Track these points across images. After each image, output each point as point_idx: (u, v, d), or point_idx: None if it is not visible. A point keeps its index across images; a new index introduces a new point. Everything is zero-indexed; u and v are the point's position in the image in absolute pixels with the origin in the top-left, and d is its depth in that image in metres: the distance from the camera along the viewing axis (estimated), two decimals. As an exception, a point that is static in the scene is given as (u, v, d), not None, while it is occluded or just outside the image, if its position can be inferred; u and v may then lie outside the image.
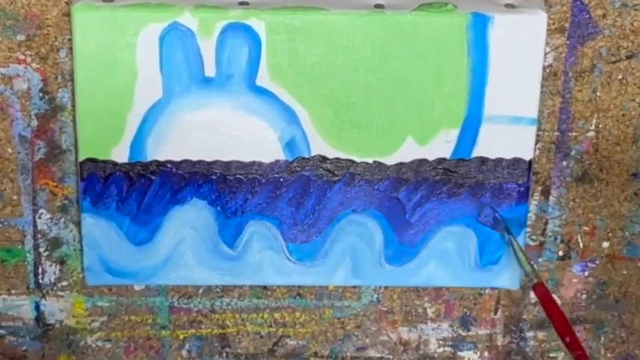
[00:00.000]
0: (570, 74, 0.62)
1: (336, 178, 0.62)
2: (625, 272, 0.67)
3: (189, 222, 0.62)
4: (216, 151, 0.61)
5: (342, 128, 0.61)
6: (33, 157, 0.62)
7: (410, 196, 0.63)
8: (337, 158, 0.61)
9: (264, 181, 0.62)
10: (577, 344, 0.53)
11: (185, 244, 0.63)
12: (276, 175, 0.62)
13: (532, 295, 0.67)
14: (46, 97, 0.61)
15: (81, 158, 0.61)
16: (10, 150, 0.62)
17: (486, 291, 0.67)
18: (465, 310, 0.68)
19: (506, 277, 0.65)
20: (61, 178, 0.63)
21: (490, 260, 0.64)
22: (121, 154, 0.61)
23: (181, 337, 0.67)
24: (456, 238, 0.64)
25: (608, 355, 0.69)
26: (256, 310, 0.67)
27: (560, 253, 0.66)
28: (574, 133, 0.64)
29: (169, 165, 0.61)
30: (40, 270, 0.65)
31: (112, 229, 0.62)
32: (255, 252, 0.63)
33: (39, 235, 0.64)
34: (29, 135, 0.62)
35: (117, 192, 0.61)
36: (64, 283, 0.65)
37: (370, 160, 0.62)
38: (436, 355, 0.69)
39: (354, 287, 0.66)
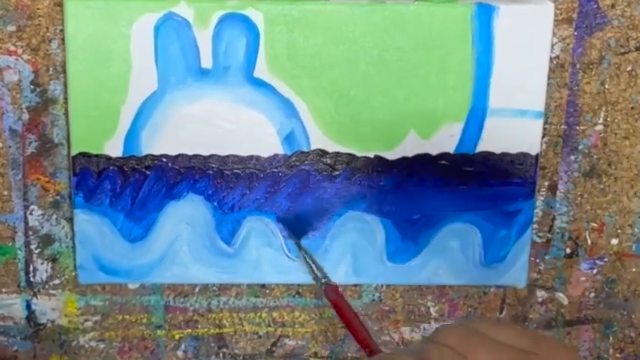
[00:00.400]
0: (578, 66, 0.63)
1: (337, 172, 0.62)
2: (634, 270, 0.67)
3: (185, 218, 0.63)
4: (212, 145, 0.61)
5: (342, 121, 0.61)
6: (24, 151, 0.63)
7: (413, 191, 0.63)
8: (337, 152, 0.62)
9: (262, 175, 0.62)
10: (371, 347, 0.55)
11: (181, 240, 0.63)
12: (275, 170, 0.62)
13: (538, 293, 0.67)
14: (38, 89, 0.62)
15: (73, 152, 0.61)
16: (0, 144, 0.62)
17: (491, 289, 0.67)
18: (469, 309, 0.68)
19: (512, 275, 0.65)
20: (52, 173, 0.63)
21: (495, 258, 0.64)
22: (114, 148, 0.61)
23: (177, 337, 0.68)
24: (460, 235, 0.64)
25: (617, 355, 0.69)
26: (254, 310, 0.67)
27: (568, 250, 0.67)
28: (582, 127, 0.64)
29: (164, 159, 0.62)
30: (31, 268, 0.65)
31: (105, 225, 0.63)
32: (253, 249, 0.64)
33: (30, 232, 0.64)
34: (20, 129, 0.62)
35: (110, 187, 0.62)
36: (56, 282, 0.66)
37: (371, 155, 0.62)
38: (440, 356, 0.69)
39: (355, 285, 0.67)
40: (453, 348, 0.43)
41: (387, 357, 0.45)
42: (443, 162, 0.62)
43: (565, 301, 0.68)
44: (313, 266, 0.61)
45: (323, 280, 0.60)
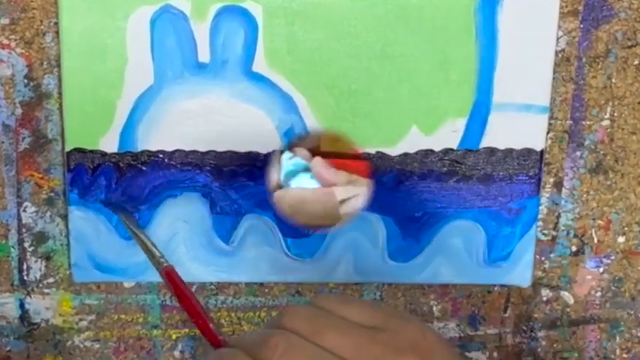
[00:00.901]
0: (584, 60, 0.63)
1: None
2: (641, 269, 0.68)
3: (181, 215, 0.63)
4: (210, 141, 0.62)
5: (342, 117, 0.61)
6: (17, 147, 0.63)
7: (415, 188, 0.63)
8: (338, 148, 0.62)
9: (260, 172, 0.62)
10: (211, 332, 0.51)
11: (178, 238, 0.63)
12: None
13: (543, 292, 0.68)
14: (31, 83, 0.62)
15: (68, 148, 0.62)
16: (-7, 140, 0.63)
17: (495, 288, 0.68)
18: (472, 308, 0.68)
19: (516, 274, 0.65)
20: (46, 170, 0.64)
21: (499, 256, 0.65)
22: (110, 144, 0.61)
23: (174, 336, 0.68)
24: (463, 233, 0.64)
25: (624, 355, 0.70)
26: (253, 309, 0.67)
27: (574, 248, 0.67)
28: (588, 122, 0.64)
29: (161, 155, 0.62)
30: (24, 266, 0.65)
31: (100, 222, 0.63)
32: (251, 247, 0.64)
33: (24, 230, 0.65)
34: (13, 124, 0.63)
35: (106, 184, 0.62)
36: (50, 280, 0.66)
37: (373, 151, 0.62)
38: (442, 356, 0.69)
39: (356, 284, 0.67)
40: (299, 332, 0.43)
41: (226, 353, 0.44)
42: (446, 158, 0.63)
43: (571, 300, 0.68)
44: (150, 246, 0.58)
45: (161, 260, 0.56)
